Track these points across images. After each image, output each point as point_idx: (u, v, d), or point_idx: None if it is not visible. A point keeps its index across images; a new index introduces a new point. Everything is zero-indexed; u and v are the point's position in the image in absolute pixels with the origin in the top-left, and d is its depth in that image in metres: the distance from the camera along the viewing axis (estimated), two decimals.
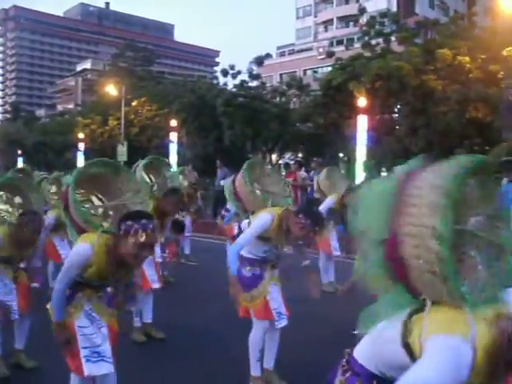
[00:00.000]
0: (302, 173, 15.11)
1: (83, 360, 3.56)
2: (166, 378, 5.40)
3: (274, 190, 5.58)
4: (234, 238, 8.18)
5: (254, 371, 5.06)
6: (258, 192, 5.52)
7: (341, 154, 32.60)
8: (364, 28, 32.62)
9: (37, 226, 4.99)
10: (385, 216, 2.09)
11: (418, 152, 24.42)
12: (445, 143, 23.53)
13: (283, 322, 5.08)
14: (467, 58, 23.65)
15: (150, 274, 6.89)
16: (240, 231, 7.93)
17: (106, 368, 3.65)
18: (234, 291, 4.83)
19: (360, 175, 18.65)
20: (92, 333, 3.67)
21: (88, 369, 3.57)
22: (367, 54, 30.10)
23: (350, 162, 23.46)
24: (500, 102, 21.14)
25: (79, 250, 3.59)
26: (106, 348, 3.68)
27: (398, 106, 28.27)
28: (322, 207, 8.26)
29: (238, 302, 5.08)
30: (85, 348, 3.59)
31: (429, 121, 24.34)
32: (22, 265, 5.37)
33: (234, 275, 4.81)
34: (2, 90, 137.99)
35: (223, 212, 10.67)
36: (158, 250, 9.21)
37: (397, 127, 28.54)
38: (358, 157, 20.82)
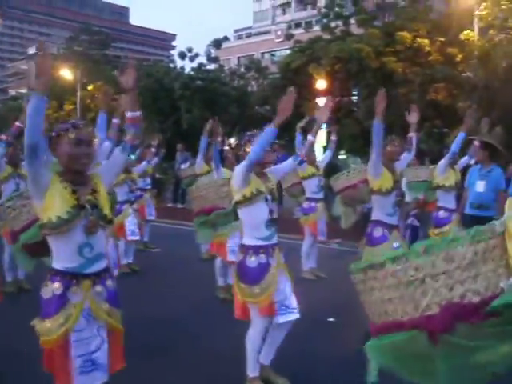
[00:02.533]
0: None
1: (75, 373, 3.09)
2: (131, 375, 5.06)
3: None
4: None
5: (252, 372, 4.58)
6: None
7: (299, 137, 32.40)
8: (323, 10, 32.42)
9: None
10: None
11: None
12: (405, 125, 23.59)
13: (291, 316, 4.53)
14: (426, 41, 23.72)
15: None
16: None
17: (100, 378, 3.22)
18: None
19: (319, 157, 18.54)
20: (88, 336, 3.16)
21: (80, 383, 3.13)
22: (326, 36, 29.93)
23: None
24: (461, 84, 21.31)
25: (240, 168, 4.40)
26: (102, 354, 3.21)
27: (357, 89, 28.26)
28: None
29: (236, 299, 4.56)
30: (79, 357, 3.10)
31: (389, 103, 24.30)
32: None
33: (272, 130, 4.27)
34: None
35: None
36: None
37: (355, 109, 28.57)
38: (318, 139, 20.63)
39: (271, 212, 4.53)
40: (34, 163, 3.00)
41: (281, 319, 4.49)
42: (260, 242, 4.44)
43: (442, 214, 7.61)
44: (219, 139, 7.88)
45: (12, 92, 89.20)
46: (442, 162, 7.63)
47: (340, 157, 34.55)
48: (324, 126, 21.65)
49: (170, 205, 17.04)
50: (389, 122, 19.99)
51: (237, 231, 7.10)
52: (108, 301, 3.26)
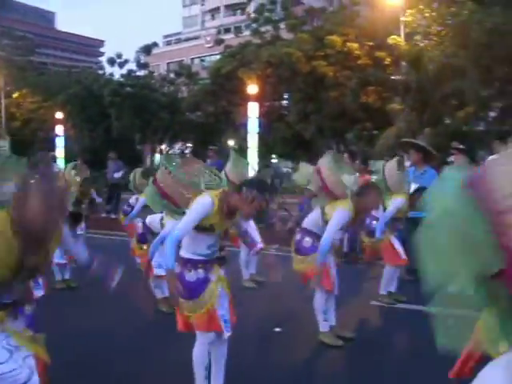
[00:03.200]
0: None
1: None
2: None
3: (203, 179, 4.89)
4: (140, 236, 7.60)
5: None
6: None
7: (231, 142, 32.48)
8: (253, 15, 32.56)
9: None
10: (484, 242, 1.47)
11: (309, 137, 24.77)
12: (336, 128, 23.90)
13: (229, 331, 4.32)
14: (355, 45, 24.07)
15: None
16: (146, 229, 7.44)
17: None
18: (174, 291, 4.01)
19: (253, 163, 18.40)
20: (12, 369, 2.80)
21: None
22: (256, 41, 30.07)
23: (241, 149, 23.33)
24: (392, 87, 21.78)
25: (203, 201, 4.04)
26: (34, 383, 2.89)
27: (288, 93, 28.46)
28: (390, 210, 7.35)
29: (177, 312, 4.34)
30: None
31: (320, 106, 24.59)
32: None
33: (171, 270, 4.00)
34: None
35: (125, 207, 10.03)
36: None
37: (285, 113, 28.79)
38: (250, 144, 20.62)
39: (216, 242, 4.32)
40: None
41: (226, 334, 4.27)
42: (199, 257, 4.22)
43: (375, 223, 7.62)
44: None
45: None
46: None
47: (272, 161, 34.82)
48: (256, 128, 21.77)
49: (103, 215, 16.62)
50: (321, 126, 20.38)
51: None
52: (30, 327, 3.04)
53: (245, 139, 21.26)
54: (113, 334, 6.32)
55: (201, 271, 4.19)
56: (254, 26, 31.46)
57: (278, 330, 6.32)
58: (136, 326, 6.72)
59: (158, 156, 25.38)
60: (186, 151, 23.76)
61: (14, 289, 2.85)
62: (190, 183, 4.48)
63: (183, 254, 4.25)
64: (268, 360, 5.36)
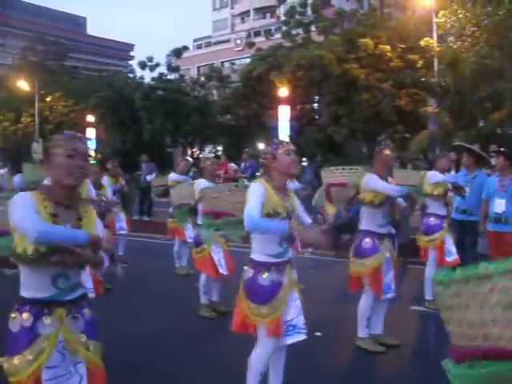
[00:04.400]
0: (232, 165, 14.79)
1: None
2: None
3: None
4: (195, 239, 7.31)
5: None
6: None
7: (262, 146, 32.41)
8: (283, 18, 32.53)
9: None
10: None
11: (340, 140, 24.58)
12: (367, 131, 23.69)
13: (297, 337, 4.17)
14: (388, 47, 23.85)
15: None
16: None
17: None
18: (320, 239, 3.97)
19: None
20: (63, 374, 2.77)
21: None
22: (287, 44, 29.98)
23: None
24: (429, 90, 21.53)
25: (254, 186, 4.04)
26: None
27: (318, 96, 28.29)
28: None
29: (236, 312, 4.25)
30: None
31: (352, 109, 24.42)
32: None
33: (286, 229, 3.92)
34: None
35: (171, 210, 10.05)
36: None
37: (316, 117, 28.62)
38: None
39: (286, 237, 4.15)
40: None
41: (288, 340, 4.17)
42: (271, 259, 4.11)
43: (432, 220, 7.46)
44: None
45: None
46: (438, 175, 7.39)
47: (303, 164, 34.65)
48: (287, 131, 21.68)
49: (136, 217, 16.66)
50: (353, 129, 20.23)
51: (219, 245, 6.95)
52: (85, 332, 2.89)
53: None
54: (156, 338, 6.27)
55: (274, 274, 4.09)
56: (285, 28, 31.39)
57: (318, 334, 6.25)
58: (179, 329, 6.70)
59: (189, 159, 25.41)
60: (219, 154, 23.71)
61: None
62: (231, 188, 4.55)
63: (255, 257, 4.16)
64: (307, 364, 5.31)
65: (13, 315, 2.81)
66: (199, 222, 7.02)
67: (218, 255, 6.93)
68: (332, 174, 6.14)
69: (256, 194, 4.00)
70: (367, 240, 5.67)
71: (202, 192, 5.55)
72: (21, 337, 2.74)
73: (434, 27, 20.49)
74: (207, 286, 7.20)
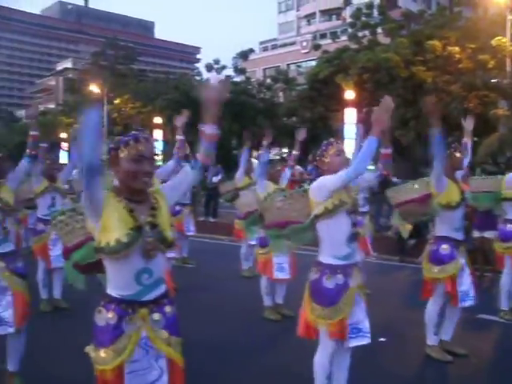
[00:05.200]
0: (298, 167, 14.81)
1: None
2: None
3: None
4: (261, 240, 7.28)
5: None
6: None
7: None
8: (349, 20, 32.30)
9: None
10: None
11: (407, 143, 24.25)
12: None
13: (361, 341, 4.18)
14: (457, 48, 23.39)
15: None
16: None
17: None
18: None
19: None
20: (145, 367, 2.88)
21: None
22: (354, 46, 29.79)
23: None
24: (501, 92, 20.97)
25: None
26: None
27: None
28: None
29: (300, 317, 4.27)
30: None
31: (419, 112, 24.07)
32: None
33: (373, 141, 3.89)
34: None
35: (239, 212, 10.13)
36: None
37: None
38: (347, 150, 20.36)
39: (354, 225, 4.17)
40: (93, 184, 2.70)
41: (352, 343, 4.16)
42: (338, 262, 4.09)
43: (509, 227, 7.09)
44: (268, 151, 7.47)
45: (40, 107, 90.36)
46: None
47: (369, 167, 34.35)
48: (354, 134, 21.55)
49: (201, 218, 16.87)
50: (419, 132, 19.91)
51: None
52: (167, 328, 2.96)
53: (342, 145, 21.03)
54: (220, 340, 6.32)
55: (340, 277, 4.08)
56: (351, 30, 31.20)
57: (382, 339, 6.19)
58: (243, 331, 6.75)
59: (254, 161, 25.54)
60: (285, 156, 23.78)
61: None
62: (293, 193, 4.58)
63: (323, 259, 4.16)
64: (371, 369, 5.27)
65: (99, 310, 2.91)
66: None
67: (281, 259, 6.95)
68: (398, 194, 5.96)
69: (333, 185, 4.03)
70: (444, 246, 5.52)
71: (262, 206, 5.59)
72: (106, 332, 2.85)
73: (508, 25, 19.96)
74: (270, 288, 7.23)
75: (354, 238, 4.17)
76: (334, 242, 4.12)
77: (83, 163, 2.63)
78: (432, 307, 5.67)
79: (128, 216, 2.84)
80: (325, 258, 4.15)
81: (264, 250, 7.10)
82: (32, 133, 5.75)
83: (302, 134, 7.33)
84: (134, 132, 2.98)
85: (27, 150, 5.57)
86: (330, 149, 4.26)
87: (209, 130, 3.11)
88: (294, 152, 7.71)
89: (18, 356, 4.75)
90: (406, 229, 6.19)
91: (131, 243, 2.79)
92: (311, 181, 13.94)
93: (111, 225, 2.81)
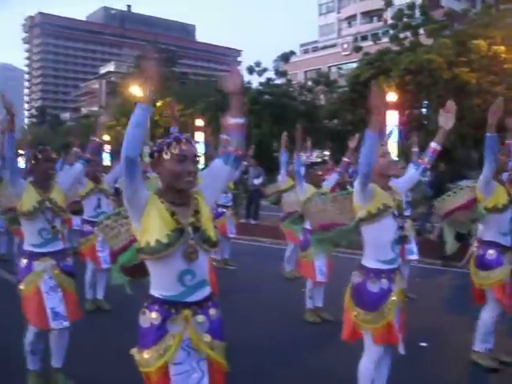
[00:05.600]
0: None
1: None
2: None
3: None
4: (302, 243, 7.40)
5: None
6: None
7: None
8: (391, 21, 31.99)
9: None
10: None
11: (449, 146, 23.91)
12: (478, 137, 22.92)
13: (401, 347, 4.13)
14: (502, 48, 22.94)
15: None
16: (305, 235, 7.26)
17: None
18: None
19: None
20: (188, 369, 2.87)
21: None
22: (395, 47, 29.51)
23: None
24: None
25: None
26: None
27: (427, 101, 27.67)
28: None
29: (345, 321, 4.26)
30: None
31: (462, 114, 23.75)
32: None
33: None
34: (29, 95, 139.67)
35: (283, 214, 10.05)
36: None
37: (425, 122, 27.98)
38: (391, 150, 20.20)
39: (400, 229, 4.12)
40: (134, 180, 2.77)
41: (401, 350, 4.10)
42: (383, 266, 4.06)
43: None
44: (305, 153, 7.45)
45: (84, 110, 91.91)
46: None
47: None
48: (395, 136, 21.36)
49: (243, 220, 16.95)
50: (463, 134, 19.50)
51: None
52: (210, 332, 2.97)
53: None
54: (261, 341, 6.36)
55: (384, 281, 4.05)
56: (392, 32, 30.93)
57: (423, 344, 6.15)
58: (284, 333, 6.74)
59: None
60: (326, 158, 23.62)
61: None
62: (337, 196, 4.57)
63: (366, 263, 4.12)
64: (412, 375, 5.20)
65: (143, 312, 2.94)
66: (307, 226, 7.10)
67: (321, 262, 6.99)
68: (444, 204, 5.85)
69: (357, 188, 4.03)
70: (491, 251, 5.37)
71: (305, 209, 5.58)
72: (150, 333, 2.88)
73: None
74: (312, 291, 7.26)
75: (399, 242, 4.14)
76: (378, 245, 4.09)
77: (125, 157, 2.72)
78: (488, 314, 5.46)
79: (170, 218, 2.87)
80: (369, 261, 4.12)
81: (305, 253, 7.14)
82: (96, 139, 5.74)
83: (354, 141, 7.20)
84: (175, 134, 3.02)
85: (85, 154, 5.60)
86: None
87: (234, 120, 3.11)
88: (345, 159, 7.54)
89: (62, 353, 4.88)
90: (454, 244, 6.03)
91: (171, 244, 2.82)
92: (352, 184, 13.90)
93: (152, 226, 2.85)
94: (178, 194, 2.95)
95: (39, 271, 4.70)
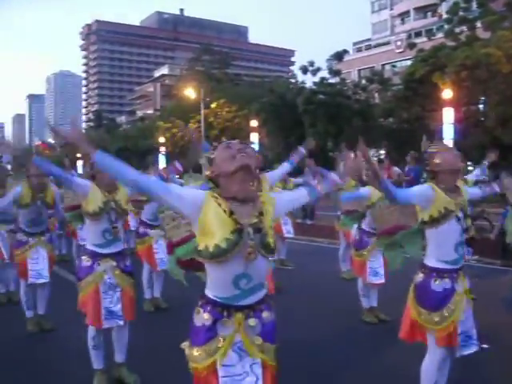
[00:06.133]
0: (396, 169, 14.62)
1: None
2: None
3: None
4: (356, 242, 7.30)
5: None
6: None
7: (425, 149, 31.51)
8: (446, 16, 31.33)
9: None
10: None
11: (508, 143, 23.35)
12: None
13: (473, 348, 4.06)
14: None
15: None
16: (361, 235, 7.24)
17: None
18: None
19: None
20: (239, 373, 2.87)
21: None
22: (451, 43, 28.91)
23: None
24: None
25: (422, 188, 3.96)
26: None
27: (484, 97, 27.06)
28: None
29: (405, 319, 4.16)
30: None
31: None
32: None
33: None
34: (86, 100, 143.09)
35: (339, 213, 9.99)
36: None
37: (482, 119, 27.38)
38: None
39: (464, 231, 4.03)
40: (164, 193, 2.87)
41: (464, 351, 4.01)
42: (445, 266, 3.96)
43: None
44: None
45: (139, 113, 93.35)
46: None
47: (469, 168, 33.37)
48: (451, 134, 20.98)
49: (299, 221, 16.96)
50: None
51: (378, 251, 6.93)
52: (262, 334, 2.94)
53: None
54: (318, 342, 6.33)
55: (447, 281, 3.96)
56: (448, 27, 30.28)
57: (485, 346, 6.05)
58: (341, 334, 6.73)
59: None
60: (382, 157, 23.34)
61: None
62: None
63: (429, 262, 4.04)
64: (475, 377, 5.15)
65: (197, 311, 2.97)
66: (363, 226, 7.10)
67: (376, 263, 6.93)
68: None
69: (421, 189, 4.01)
70: None
71: (373, 215, 5.53)
72: (201, 332, 2.90)
73: None
74: (366, 291, 7.20)
75: (463, 243, 4.05)
76: (441, 247, 4.00)
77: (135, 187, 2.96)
78: None
79: (229, 218, 2.83)
80: (431, 261, 4.03)
81: (359, 253, 7.12)
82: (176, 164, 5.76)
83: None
84: (232, 140, 3.01)
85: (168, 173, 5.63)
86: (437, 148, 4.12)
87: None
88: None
89: (123, 348, 5.06)
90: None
91: (229, 250, 2.80)
92: (409, 182, 13.72)
93: (210, 228, 2.84)
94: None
95: (101, 272, 4.86)
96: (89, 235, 5.04)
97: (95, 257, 4.89)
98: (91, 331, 4.90)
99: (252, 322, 2.90)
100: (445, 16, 31.88)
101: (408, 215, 4.40)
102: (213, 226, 2.82)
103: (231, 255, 2.80)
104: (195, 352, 2.90)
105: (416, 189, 4.05)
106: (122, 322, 4.89)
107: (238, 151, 2.86)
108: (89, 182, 4.99)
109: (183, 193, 2.91)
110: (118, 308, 4.86)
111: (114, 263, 4.92)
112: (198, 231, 2.88)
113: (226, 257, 2.81)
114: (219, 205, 2.86)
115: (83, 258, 4.95)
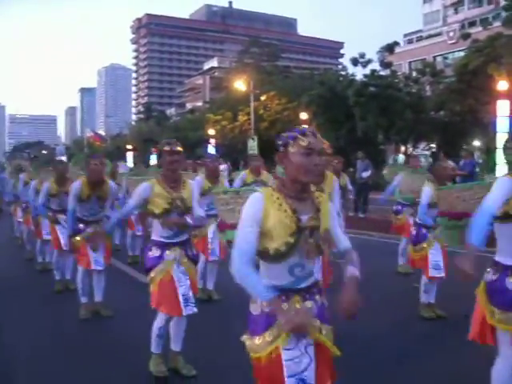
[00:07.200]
0: (450, 162, 14.46)
1: None
2: None
3: None
4: (414, 237, 7.23)
5: None
6: None
7: (476, 143, 30.99)
8: (504, 3, 30.35)
9: None
10: None
11: None
12: None
13: None
14: None
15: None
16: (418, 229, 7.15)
17: None
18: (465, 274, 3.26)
19: (500, 165, 16.99)
20: (298, 355, 2.89)
21: None
22: (508, 32, 28.01)
23: (489, 150, 22.07)
24: None
25: (502, 181, 3.60)
26: (310, 373, 2.90)
27: None
28: None
29: (475, 318, 3.88)
30: (291, 377, 2.86)
31: None
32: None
33: (473, 246, 3.33)
34: (136, 93, 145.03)
35: (396, 207, 10.02)
36: None
37: None
38: (499, 144, 19.40)
39: None
40: None
41: None
42: None
43: None
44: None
45: (189, 106, 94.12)
46: None
47: None
48: (507, 126, 20.49)
49: (351, 214, 16.87)
50: None
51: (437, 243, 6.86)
52: (318, 316, 2.99)
53: (493, 139, 20.04)
54: (373, 337, 6.24)
55: None
56: (506, 14, 29.25)
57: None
58: (397, 329, 6.66)
59: (401, 156, 24.92)
60: (434, 151, 23.00)
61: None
62: (475, 185, 4.34)
63: (502, 259, 3.75)
64: None
65: (253, 300, 2.99)
66: (419, 220, 7.04)
67: (437, 256, 6.83)
68: None
69: (500, 187, 3.58)
70: None
71: (438, 194, 5.43)
72: (261, 320, 2.93)
73: None
74: (427, 286, 7.09)
75: None
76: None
77: None
78: None
79: (289, 220, 2.90)
80: (504, 258, 3.73)
81: (418, 247, 7.03)
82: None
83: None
84: (299, 127, 3.02)
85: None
86: None
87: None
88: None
89: (180, 338, 5.08)
90: None
91: (290, 254, 2.89)
92: (465, 176, 13.50)
93: (271, 230, 2.89)
94: (302, 187, 2.96)
95: (170, 260, 4.92)
96: (155, 228, 5.09)
97: (163, 246, 4.96)
98: (161, 321, 4.94)
99: (309, 304, 2.98)
100: (503, 3, 30.90)
101: (472, 204, 4.22)
102: (273, 227, 2.89)
103: (291, 255, 2.90)
104: (257, 341, 2.94)
105: (498, 188, 3.64)
106: (196, 309, 4.92)
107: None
108: (146, 184, 5.07)
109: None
110: (191, 295, 4.93)
111: (183, 252, 5.01)
112: (260, 230, 2.91)
113: (285, 259, 2.90)
114: (277, 199, 2.92)
115: (152, 248, 5.01)
